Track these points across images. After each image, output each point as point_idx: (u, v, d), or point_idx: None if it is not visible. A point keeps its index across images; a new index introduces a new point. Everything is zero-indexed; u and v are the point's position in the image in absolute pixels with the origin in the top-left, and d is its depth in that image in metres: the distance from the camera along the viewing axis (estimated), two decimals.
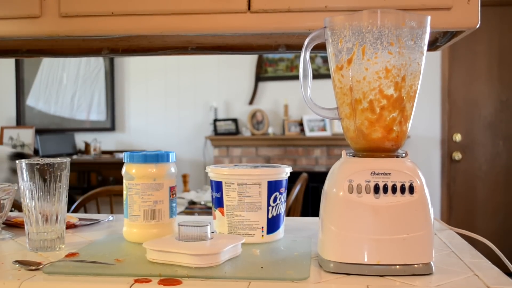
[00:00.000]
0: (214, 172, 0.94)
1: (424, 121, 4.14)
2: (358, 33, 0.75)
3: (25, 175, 0.87)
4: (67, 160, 0.90)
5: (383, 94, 0.76)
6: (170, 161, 0.96)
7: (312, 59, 4.31)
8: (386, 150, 0.79)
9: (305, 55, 0.80)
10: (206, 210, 3.01)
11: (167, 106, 4.63)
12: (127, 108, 4.73)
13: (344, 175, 0.76)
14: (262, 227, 0.92)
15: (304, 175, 3.12)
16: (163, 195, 0.94)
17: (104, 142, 4.70)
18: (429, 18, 0.77)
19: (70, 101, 4.82)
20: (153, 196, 0.93)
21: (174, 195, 0.96)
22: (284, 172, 0.94)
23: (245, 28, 0.96)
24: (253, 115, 4.39)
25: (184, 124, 4.61)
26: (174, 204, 0.96)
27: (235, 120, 4.43)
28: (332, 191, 0.76)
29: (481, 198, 4.09)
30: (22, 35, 1.00)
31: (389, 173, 0.74)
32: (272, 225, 0.93)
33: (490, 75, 4.05)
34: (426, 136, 4.17)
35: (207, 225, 0.83)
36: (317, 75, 4.19)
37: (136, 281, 0.71)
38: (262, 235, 0.92)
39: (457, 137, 4.12)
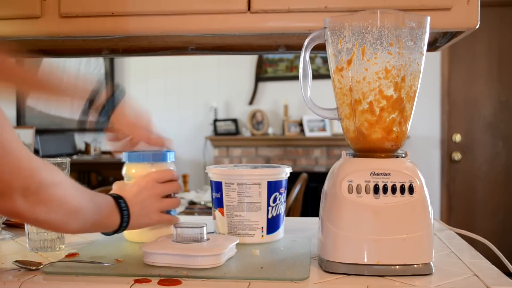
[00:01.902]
0: (214, 172, 0.95)
1: (424, 121, 4.13)
2: (358, 33, 0.75)
3: None
4: (67, 160, 0.90)
5: (382, 94, 0.76)
6: (169, 161, 0.96)
7: (312, 59, 4.30)
8: (386, 150, 0.79)
9: (305, 55, 0.81)
10: (206, 210, 3.01)
11: (167, 106, 4.63)
12: None
13: (344, 175, 0.76)
14: (262, 227, 0.92)
15: (304, 175, 3.12)
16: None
17: (104, 142, 4.70)
18: (428, 18, 0.77)
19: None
20: None
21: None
22: (284, 172, 0.94)
23: (245, 29, 0.96)
24: (253, 116, 4.39)
25: (184, 124, 4.60)
26: None
27: (235, 121, 4.43)
28: (332, 191, 0.76)
29: (481, 198, 4.09)
30: (22, 35, 1.01)
31: (389, 174, 0.74)
32: (272, 225, 0.93)
33: (490, 75, 4.05)
34: (425, 136, 4.16)
35: (203, 226, 0.82)
36: (317, 76, 4.19)
37: (136, 281, 0.71)
38: (262, 235, 0.92)
39: (457, 137, 4.12)
